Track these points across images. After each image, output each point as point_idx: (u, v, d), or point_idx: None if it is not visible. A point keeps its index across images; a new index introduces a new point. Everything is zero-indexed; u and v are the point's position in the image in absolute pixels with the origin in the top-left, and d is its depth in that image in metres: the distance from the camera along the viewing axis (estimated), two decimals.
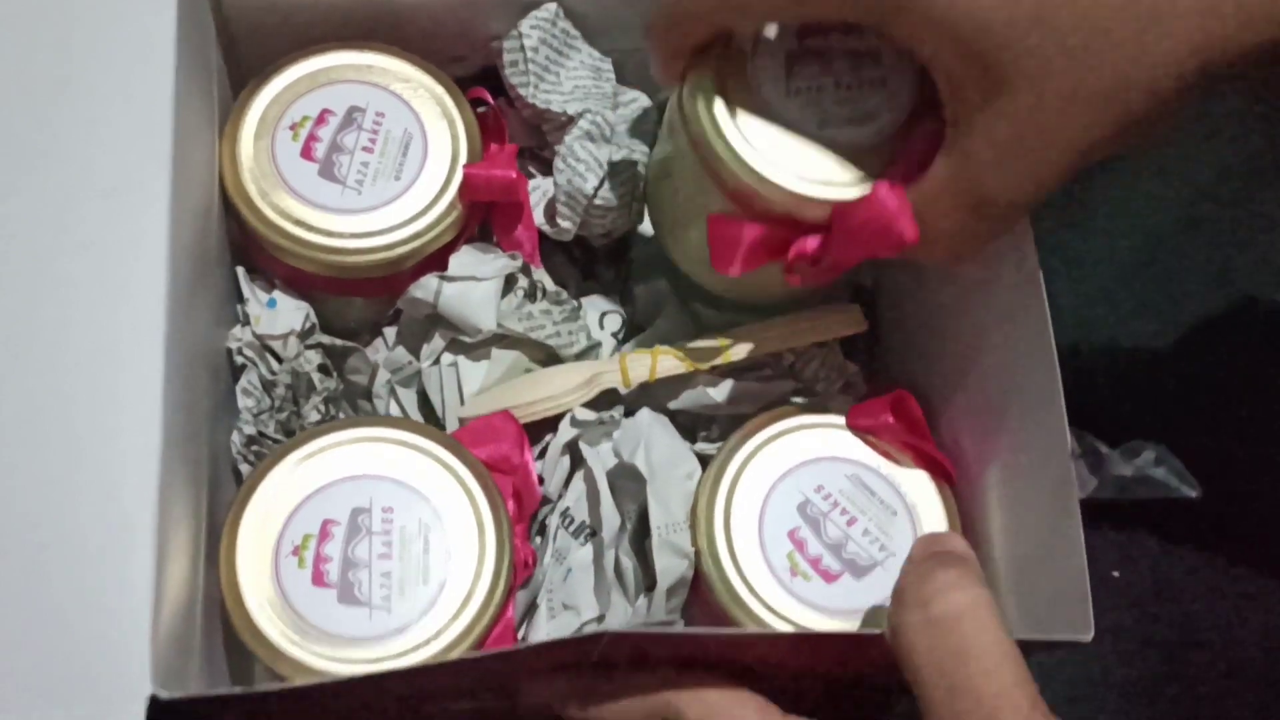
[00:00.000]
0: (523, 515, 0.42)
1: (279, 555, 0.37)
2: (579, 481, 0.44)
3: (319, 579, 0.37)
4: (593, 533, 0.44)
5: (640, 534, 0.43)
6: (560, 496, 0.45)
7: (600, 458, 0.44)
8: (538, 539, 0.45)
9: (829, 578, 0.39)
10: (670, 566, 0.40)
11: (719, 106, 0.38)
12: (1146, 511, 0.53)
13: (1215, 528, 0.53)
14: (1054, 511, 0.37)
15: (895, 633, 0.33)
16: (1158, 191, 0.60)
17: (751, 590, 0.39)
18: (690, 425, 0.46)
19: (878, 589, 0.39)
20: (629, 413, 0.45)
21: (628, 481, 0.43)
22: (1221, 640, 0.51)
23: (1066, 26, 0.32)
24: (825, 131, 0.38)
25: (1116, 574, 0.52)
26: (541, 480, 0.44)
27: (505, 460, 0.41)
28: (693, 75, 0.38)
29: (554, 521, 0.44)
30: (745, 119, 0.38)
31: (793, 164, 0.37)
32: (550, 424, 0.45)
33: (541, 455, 0.45)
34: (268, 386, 0.43)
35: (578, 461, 0.45)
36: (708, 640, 0.37)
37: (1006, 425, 0.40)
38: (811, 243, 0.38)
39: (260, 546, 0.37)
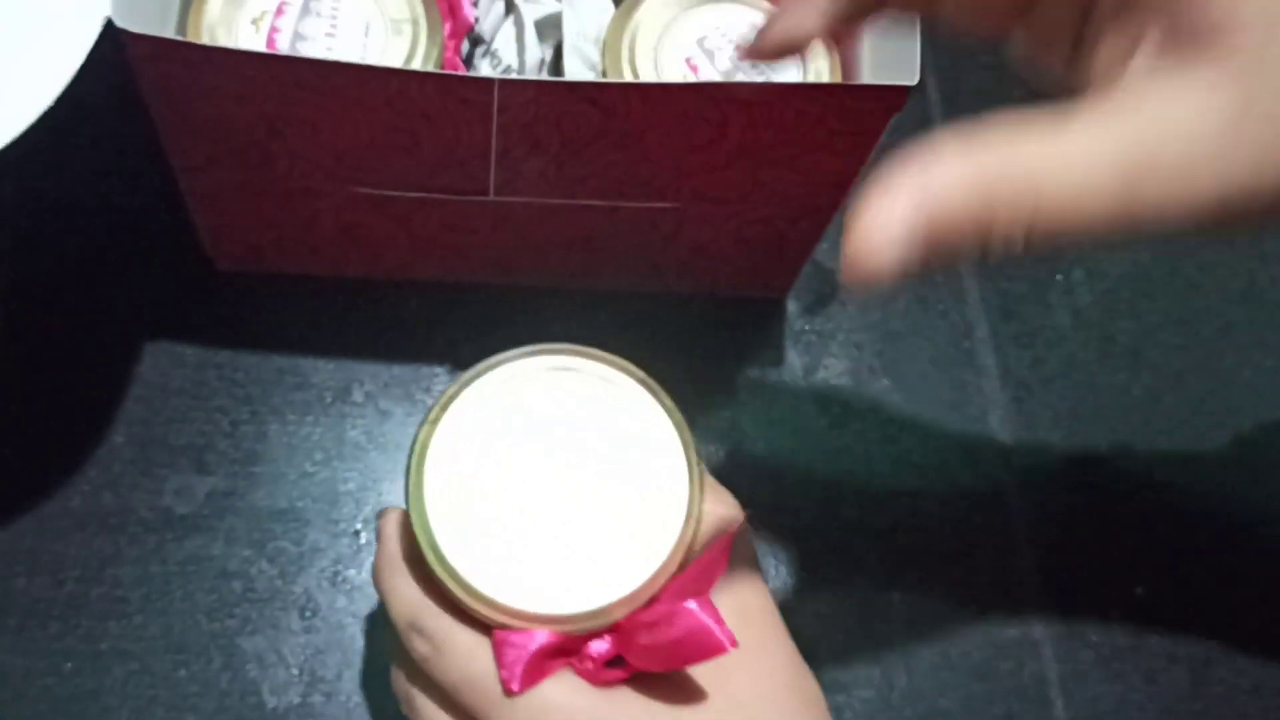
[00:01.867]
0: (455, 32, 0.46)
1: (238, 23, 0.43)
2: (509, 26, 0.48)
3: (270, 45, 0.42)
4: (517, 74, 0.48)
5: (557, 67, 0.48)
6: (492, 38, 0.48)
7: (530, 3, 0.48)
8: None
9: None
10: (577, 73, 0.46)
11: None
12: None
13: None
14: None
15: None
16: None
17: None
18: None
19: None
20: None
21: (550, 26, 0.48)
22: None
23: None
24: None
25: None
26: (477, 20, 0.48)
27: None
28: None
29: (484, 65, 0.48)
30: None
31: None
32: None
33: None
34: None
35: (510, 9, 0.49)
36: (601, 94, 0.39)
37: None
38: (601, 646, 0.35)
39: (226, 12, 0.43)
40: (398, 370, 0.51)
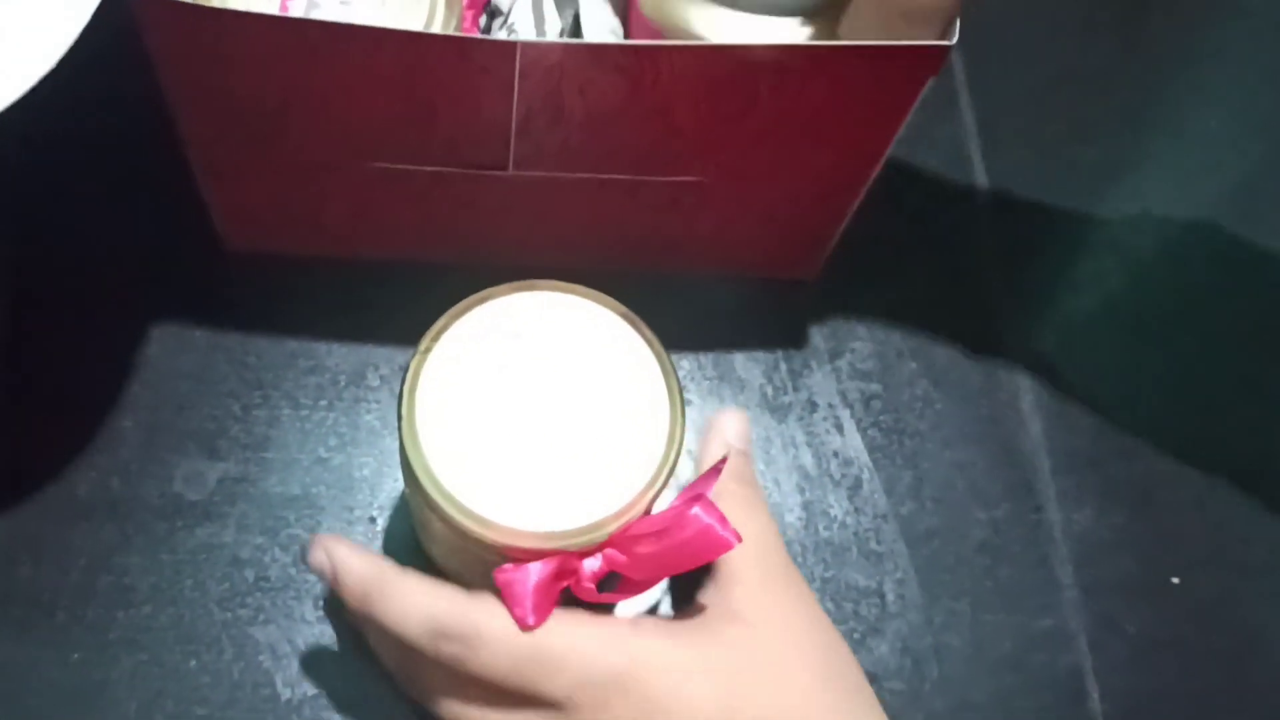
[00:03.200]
0: (473, 3, 0.45)
1: None
2: None
3: (283, 11, 0.40)
4: None
5: (576, 34, 0.47)
6: (509, 11, 0.47)
7: None
8: None
9: None
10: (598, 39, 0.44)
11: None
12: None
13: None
14: None
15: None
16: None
17: None
18: None
19: None
20: None
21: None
22: None
23: None
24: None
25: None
26: None
27: None
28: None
29: (501, 35, 0.47)
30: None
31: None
32: None
33: None
34: None
35: None
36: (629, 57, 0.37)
37: None
38: (594, 564, 0.37)
39: None
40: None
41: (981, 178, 0.57)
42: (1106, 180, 0.58)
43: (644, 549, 0.36)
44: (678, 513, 0.36)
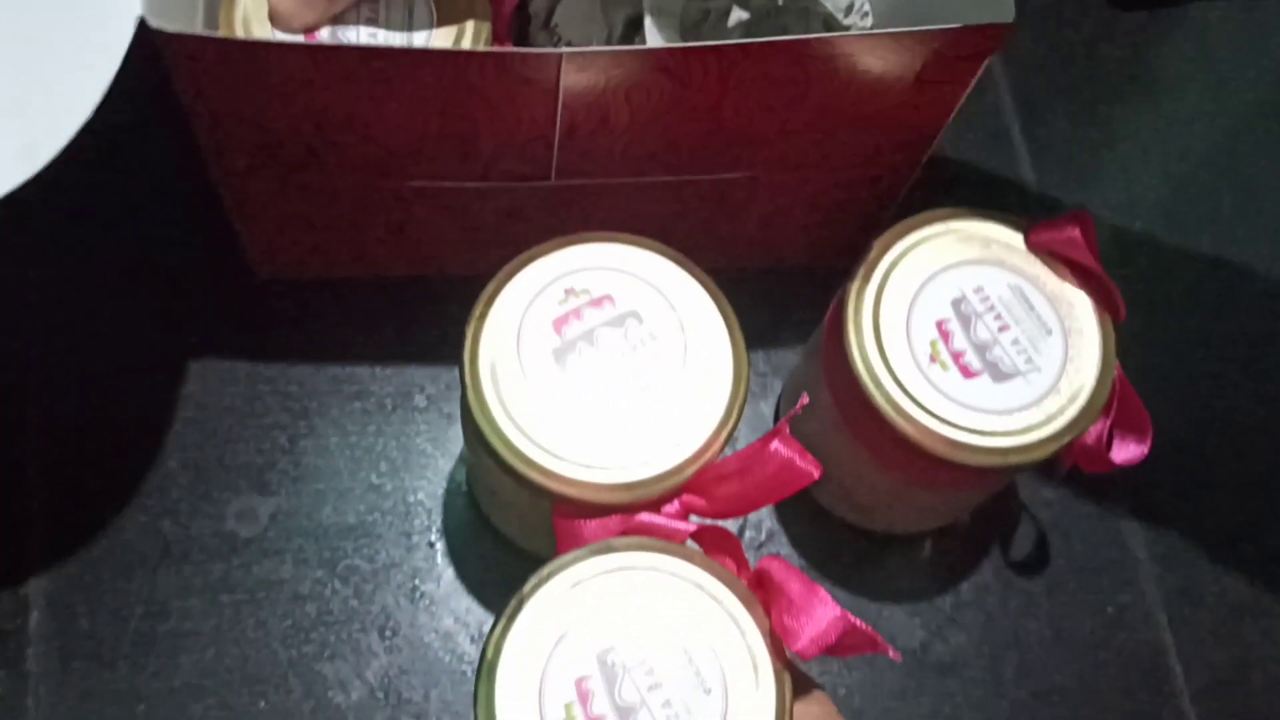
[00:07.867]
0: (500, 14, 0.43)
1: None
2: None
3: (309, 35, 0.39)
4: None
5: (627, 39, 0.45)
6: (550, 14, 0.45)
7: None
8: None
9: (967, 373, 0.38)
10: (657, 44, 0.42)
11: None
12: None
13: None
14: None
15: None
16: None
17: (885, 359, 0.38)
18: None
19: (1013, 397, 0.38)
20: None
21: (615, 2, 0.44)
22: None
23: None
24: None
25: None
26: None
27: None
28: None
29: (541, 38, 0.45)
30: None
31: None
32: None
33: None
34: None
35: None
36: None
37: None
38: (671, 509, 0.36)
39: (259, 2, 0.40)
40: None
41: (1022, 149, 0.55)
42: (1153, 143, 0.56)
43: (723, 489, 0.36)
44: (757, 450, 0.35)
